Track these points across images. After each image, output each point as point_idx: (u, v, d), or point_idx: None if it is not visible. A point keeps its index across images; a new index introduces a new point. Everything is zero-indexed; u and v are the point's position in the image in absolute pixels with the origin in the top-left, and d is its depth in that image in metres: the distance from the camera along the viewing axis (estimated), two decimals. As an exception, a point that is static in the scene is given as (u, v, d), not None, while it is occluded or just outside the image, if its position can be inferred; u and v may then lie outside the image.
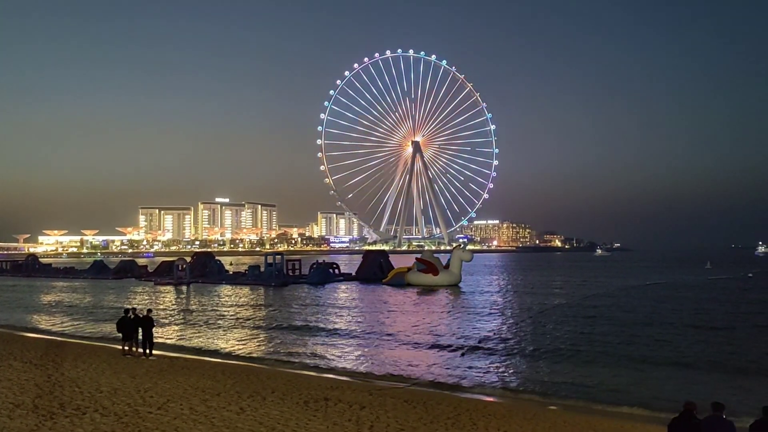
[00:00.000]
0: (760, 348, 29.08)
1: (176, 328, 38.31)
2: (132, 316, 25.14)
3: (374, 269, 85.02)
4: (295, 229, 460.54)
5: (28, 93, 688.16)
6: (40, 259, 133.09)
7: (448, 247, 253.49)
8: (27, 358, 23.41)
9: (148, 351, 24.99)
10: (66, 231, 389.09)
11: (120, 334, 25.44)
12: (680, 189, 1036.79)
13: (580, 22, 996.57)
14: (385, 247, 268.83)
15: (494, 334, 34.48)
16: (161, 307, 51.81)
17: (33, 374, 19.87)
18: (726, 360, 26.04)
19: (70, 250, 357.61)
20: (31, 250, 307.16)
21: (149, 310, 26.64)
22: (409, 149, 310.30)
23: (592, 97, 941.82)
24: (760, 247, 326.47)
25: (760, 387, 21.25)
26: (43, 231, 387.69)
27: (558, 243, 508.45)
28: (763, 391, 19.60)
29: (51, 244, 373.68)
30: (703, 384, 21.71)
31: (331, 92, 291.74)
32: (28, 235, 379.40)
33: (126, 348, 25.43)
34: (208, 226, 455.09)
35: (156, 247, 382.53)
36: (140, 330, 25.11)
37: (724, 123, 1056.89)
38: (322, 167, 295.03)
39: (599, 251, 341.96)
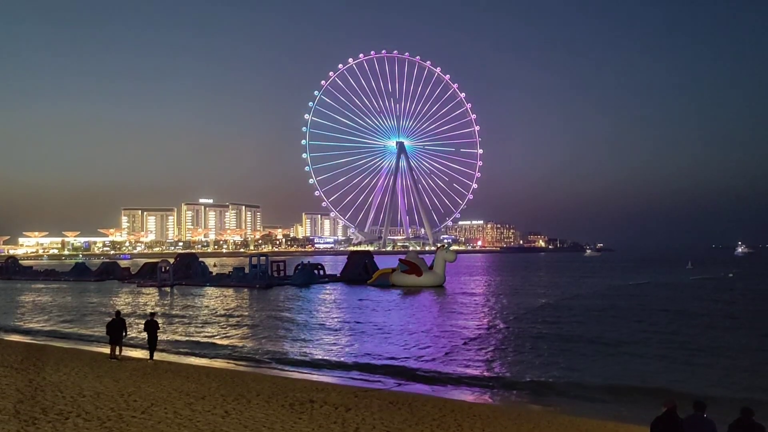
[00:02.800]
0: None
1: (160, 331, 37.91)
2: (116, 319, 25.08)
3: (359, 270, 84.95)
4: (279, 230, 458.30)
5: (8, 94, 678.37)
6: (20, 261, 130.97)
7: (433, 248, 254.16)
8: (7, 363, 23.09)
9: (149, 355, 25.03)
10: (47, 232, 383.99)
11: (108, 337, 25.35)
12: (662, 190, 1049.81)
13: (561, 24, 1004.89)
14: (370, 248, 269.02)
15: (477, 335, 34.65)
16: (144, 309, 51.38)
17: (14, 379, 19.60)
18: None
19: (51, 251, 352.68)
20: (11, 252, 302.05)
21: (153, 314, 26.56)
22: (394, 150, 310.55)
23: (576, 99, 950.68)
24: (739, 248, 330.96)
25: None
26: (24, 233, 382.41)
27: (542, 243, 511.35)
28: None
29: (31, 246, 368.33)
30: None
31: (316, 93, 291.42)
32: (8, 237, 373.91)
33: (112, 351, 25.29)
34: (192, 227, 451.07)
35: (139, 249, 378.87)
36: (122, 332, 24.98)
37: (704, 124, 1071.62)
38: (306, 168, 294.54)
39: (589, 252, 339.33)
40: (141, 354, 27.58)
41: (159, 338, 26.29)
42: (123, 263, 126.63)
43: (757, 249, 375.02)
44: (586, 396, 20.91)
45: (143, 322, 27.03)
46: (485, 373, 24.48)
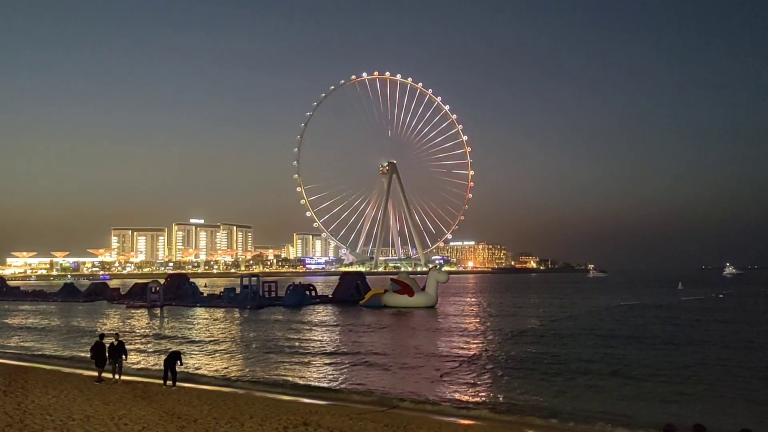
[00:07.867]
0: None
1: (149, 352, 37.56)
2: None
3: (351, 291, 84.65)
4: (270, 251, 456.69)
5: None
6: (8, 282, 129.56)
7: (425, 269, 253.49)
8: (-5, 385, 22.72)
9: (170, 382, 24.70)
10: (35, 253, 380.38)
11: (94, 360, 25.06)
12: (651, 212, 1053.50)
13: (548, 47, 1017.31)
14: (362, 269, 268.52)
15: (471, 356, 34.45)
16: (133, 331, 50.84)
17: (1, 402, 19.28)
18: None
19: (40, 272, 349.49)
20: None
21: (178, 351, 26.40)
22: (386, 170, 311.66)
23: (567, 121, 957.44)
24: (727, 268, 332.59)
25: None
26: (11, 253, 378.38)
27: (533, 264, 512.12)
28: None
29: (19, 266, 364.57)
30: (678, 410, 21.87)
31: (308, 113, 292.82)
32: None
33: (99, 375, 24.99)
34: (183, 247, 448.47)
35: (129, 269, 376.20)
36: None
37: (692, 147, 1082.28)
38: (298, 188, 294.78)
39: (593, 272, 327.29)
40: (131, 377, 27.20)
41: (144, 360, 26.01)
42: (116, 283, 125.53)
43: (745, 270, 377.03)
44: (582, 419, 20.75)
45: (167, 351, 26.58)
46: (480, 396, 24.30)
